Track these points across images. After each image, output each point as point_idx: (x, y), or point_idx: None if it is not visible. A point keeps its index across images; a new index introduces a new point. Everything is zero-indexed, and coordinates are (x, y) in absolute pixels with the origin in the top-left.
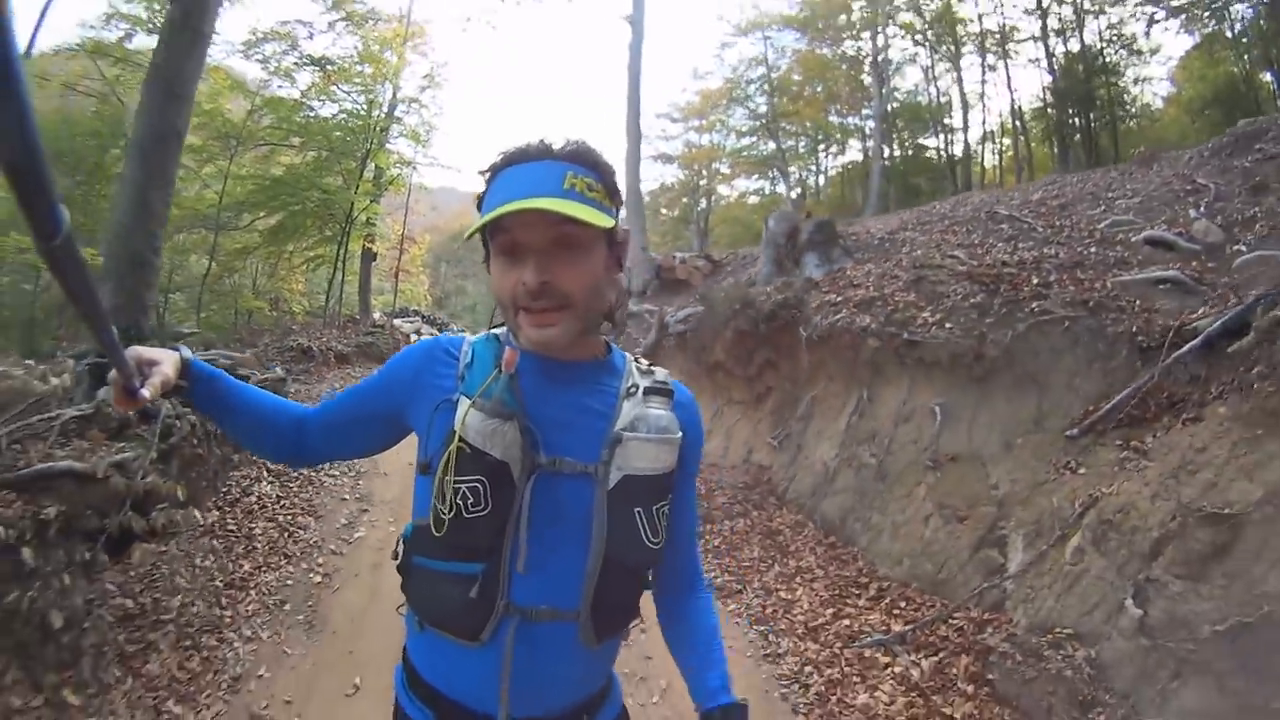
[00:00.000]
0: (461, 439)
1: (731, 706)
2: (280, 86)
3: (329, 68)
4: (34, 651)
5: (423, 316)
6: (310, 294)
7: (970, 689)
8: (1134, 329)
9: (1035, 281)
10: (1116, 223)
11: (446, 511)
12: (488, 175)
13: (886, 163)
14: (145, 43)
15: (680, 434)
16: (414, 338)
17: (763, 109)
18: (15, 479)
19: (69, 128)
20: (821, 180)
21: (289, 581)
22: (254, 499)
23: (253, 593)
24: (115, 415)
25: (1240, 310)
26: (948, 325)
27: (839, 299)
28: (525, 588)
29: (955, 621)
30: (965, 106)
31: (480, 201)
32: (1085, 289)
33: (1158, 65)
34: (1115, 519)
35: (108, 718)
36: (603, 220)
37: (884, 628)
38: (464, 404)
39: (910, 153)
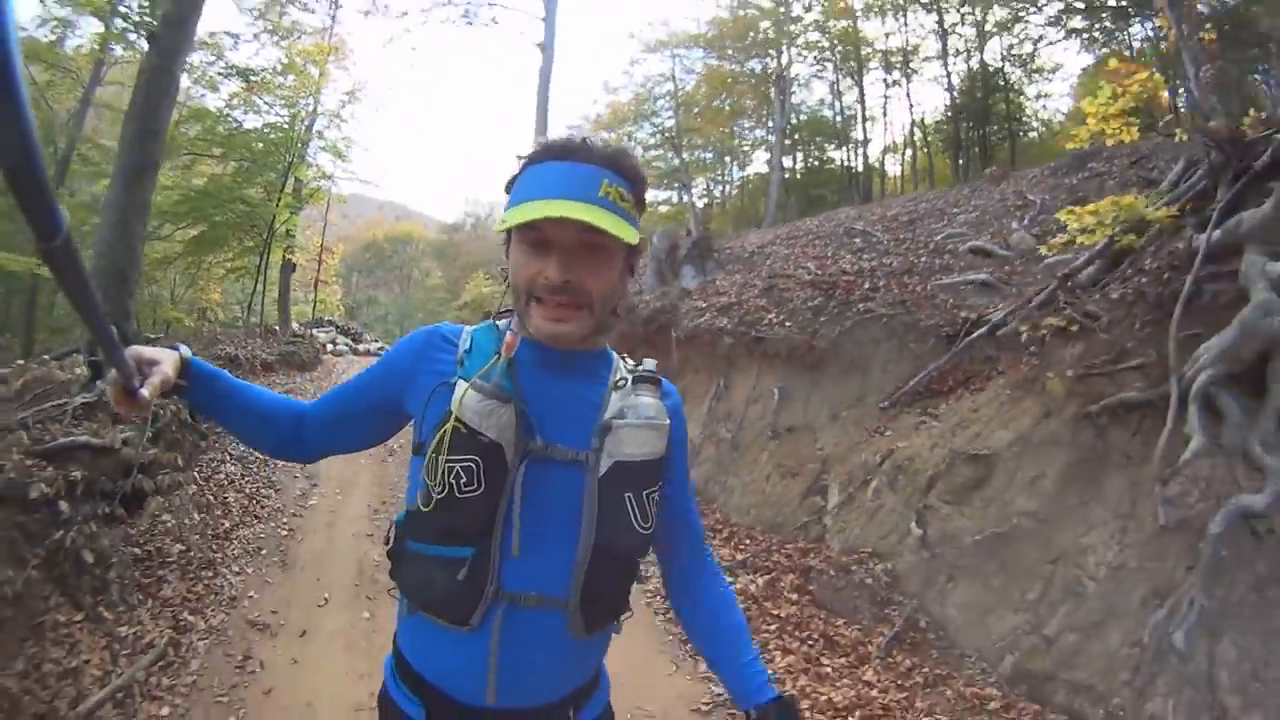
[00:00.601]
0: (458, 419)
1: (783, 700)
2: (203, 95)
3: (252, 79)
4: (72, 581)
5: (337, 327)
6: (225, 305)
7: (795, 597)
8: (940, 322)
9: (866, 286)
10: (951, 235)
11: (439, 490)
12: (525, 163)
13: (788, 175)
14: (74, 43)
15: (668, 421)
16: (329, 347)
17: (669, 124)
18: (45, 450)
19: None
20: (729, 190)
21: (262, 535)
22: (223, 475)
23: (235, 542)
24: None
25: (1020, 305)
26: (788, 324)
27: (705, 305)
28: (515, 573)
29: (786, 550)
30: (864, 121)
31: (511, 184)
32: (907, 291)
33: (1060, 82)
34: (904, 465)
35: (136, 625)
36: (630, 236)
37: (731, 558)
38: (462, 385)
39: (816, 164)
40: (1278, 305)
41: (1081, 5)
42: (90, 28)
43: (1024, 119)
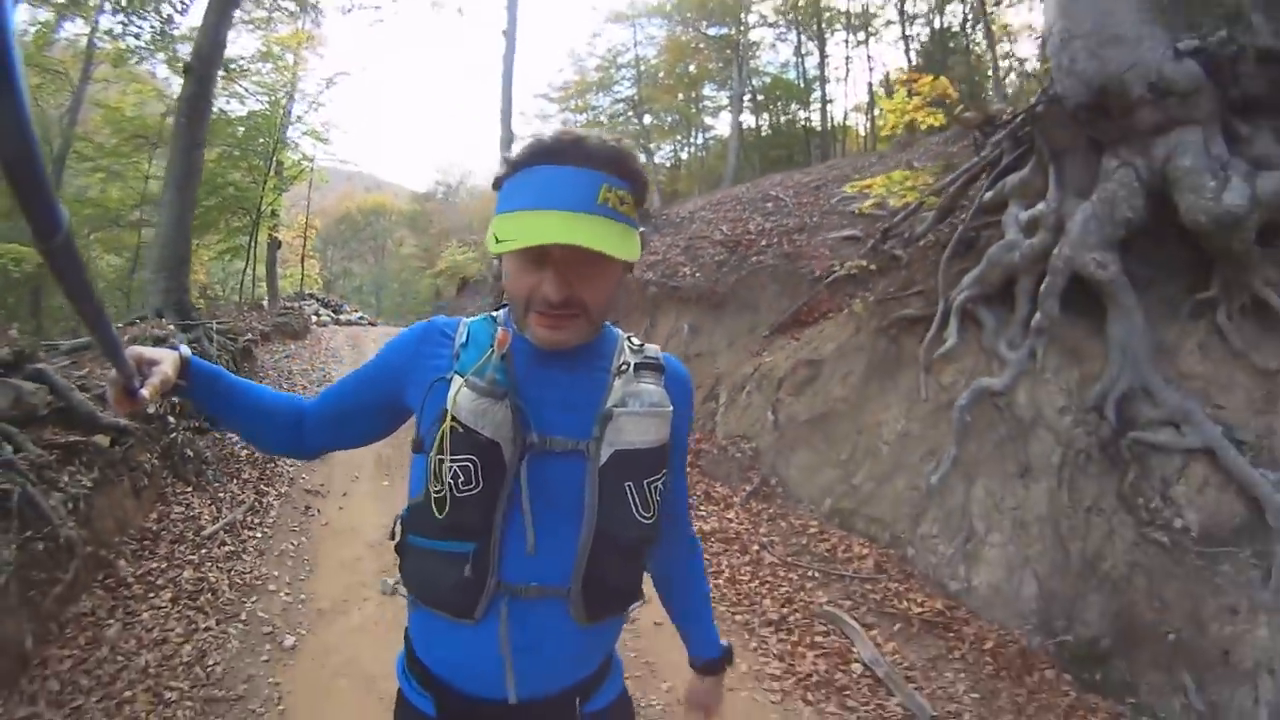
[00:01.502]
0: (453, 418)
1: (724, 653)
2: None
3: (231, 67)
4: (181, 468)
5: (317, 299)
6: (209, 284)
7: (689, 471)
8: (815, 270)
9: (763, 243)
10: (844, 198)
11: (438, 490)
12: (516, 163)
13: (751, 136)
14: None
15: (671, 407)
16: (314, 318)
17: (629, 92)
18: None
19: None
20: (694, 152)
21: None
22: None
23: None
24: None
25: (868, 250)
26: (698, 275)
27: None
28: (515, 566)
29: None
30: (823, 83)
31: (499, 184)
32: (795, 246)
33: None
34: (767, 374)
35: (229, 492)
36: (632, 251)
37: None
38: (456, 382)
39: (782, 125)
40: (1020, 242)
41: None
42: (73, 29)
43: (983, 79)
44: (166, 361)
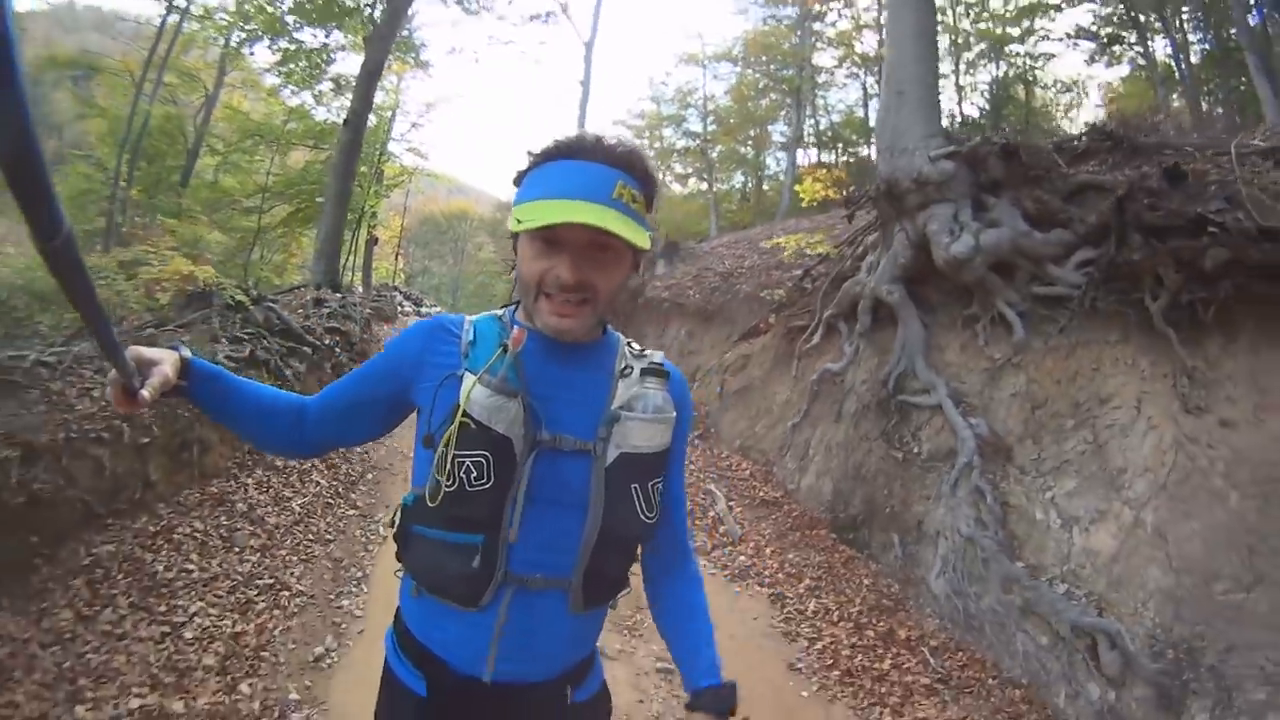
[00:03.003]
0: (466, 413)
1: (721, 687)
2: (296, 91)
3: (341, 83)
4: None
5: (400, 292)
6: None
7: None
8: (772, 296)
9: (747, 275)
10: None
11: (449, 484)
12: (537, 159)
13: (808, 174)
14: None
15: (674, 414)
16: (399, 307)
17: (697, 128)
18: (326, 327)
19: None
20: (762, 182)
21: None
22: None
23: None
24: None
25: (792, 285)
26: (698, 296)
27: (659, 285)
28: (522, 558)
29: None
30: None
31: (520, 178)
32: (768, 278)
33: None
34: (723, 363)
35: None
36: (642, 240)
37: None
38: (469, 379)
39: (848, 161)
40: (864, 280)
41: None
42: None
43: (1041, 125)
44: (166, 362)
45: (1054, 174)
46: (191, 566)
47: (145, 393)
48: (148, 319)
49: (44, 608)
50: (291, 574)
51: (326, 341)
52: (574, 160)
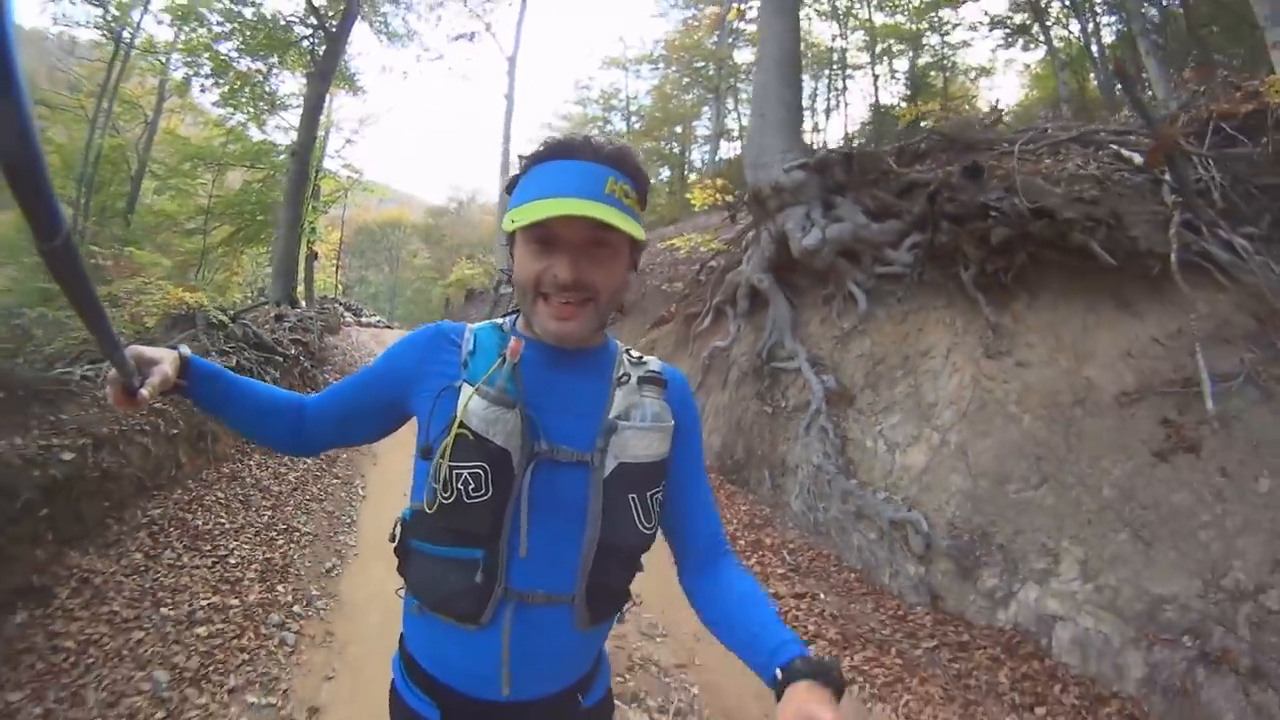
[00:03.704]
0: (464, 425)
1: (819, 660)
2: (233, 113)
3: (276, 104)
4: (305, 381)
5: (339, 303)
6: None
7: None
8: (673, 288)
9: (654, 273)
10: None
11: (447, 497)
12: (529, 162)
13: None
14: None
15: (672, 422)
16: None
17: (621, 127)
18: (291, 339)
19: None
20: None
21: None
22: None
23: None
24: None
25: (691, 278)
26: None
27: None
28: (522, 572)
29: None
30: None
31: (513, 184)
32: (670, 274)
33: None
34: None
35: None
36: (638, 231)
37: None
38: (467, 390)
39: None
40: (743, 271)
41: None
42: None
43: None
44: (166, 361)
45: (889, 175)
46: (223, 521)
47: (145, 392)
48: (136, 340)
49: (121, 551)
50: (298, 522)
51: (292, 351)
52: (564, 160)
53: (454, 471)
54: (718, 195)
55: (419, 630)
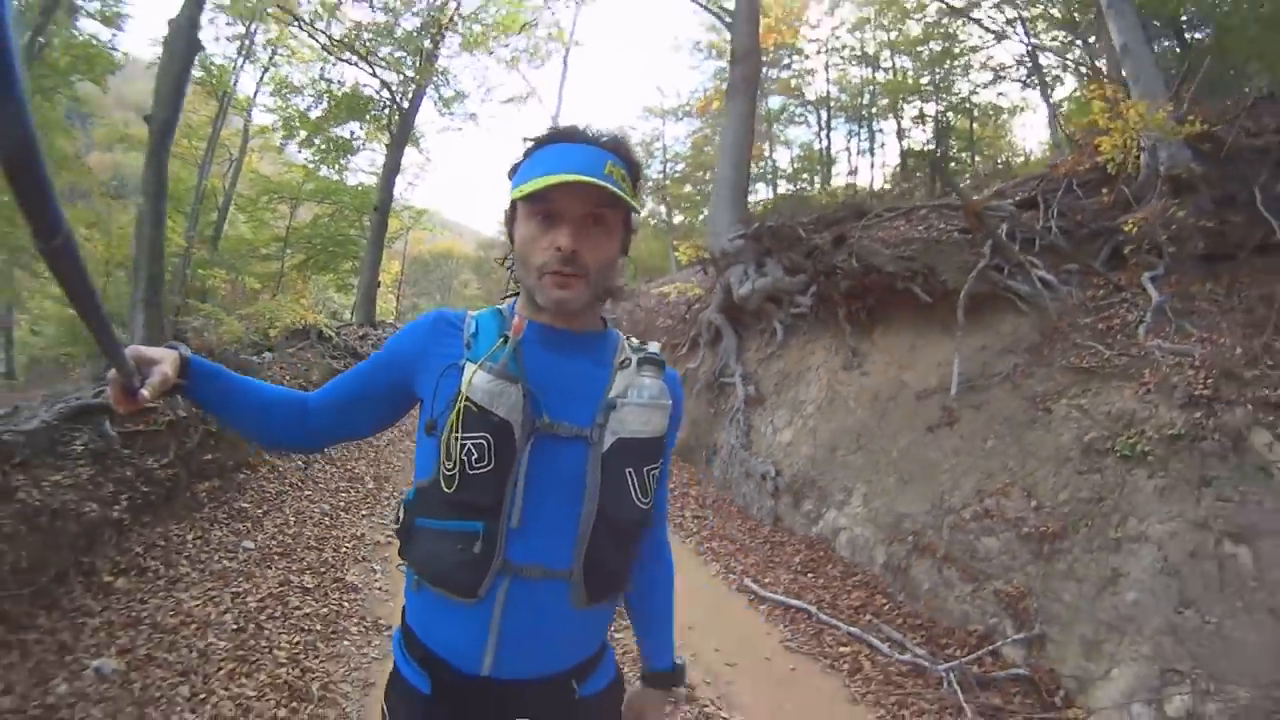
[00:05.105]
0: (468, 398)
1: (673, 671)
2: (300, 153)
3: (343, 147)
4: None
5: (395, 326)
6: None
7: None
8: (665, 324)
9: (662, 307)
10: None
11: (450, 468)
12: (531, 146)
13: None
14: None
15: (670, 401)
16: None
17: (656, 176)
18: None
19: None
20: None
21: None
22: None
23: None
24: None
25: (680, 316)
26: (627, 325)
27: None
28: (520, 545)
29: None
30: (828, 158)
31: (515, 170)
32: (670, 312)
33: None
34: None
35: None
36: (636, 205)
37: None
38: (470, 367)
39: (802, 192)
40: (707, 313)
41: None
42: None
43: (985, 152)
44: (166, 361)
45: (800, 241)
46: (269, 491)
47: (145, 392)
48: (261, 343)
49: (194, 519)
50: (337, 497)
51: None
52: (565, 143)
53: (459, 442)
54: (698, 251)
55: (416, 604)
